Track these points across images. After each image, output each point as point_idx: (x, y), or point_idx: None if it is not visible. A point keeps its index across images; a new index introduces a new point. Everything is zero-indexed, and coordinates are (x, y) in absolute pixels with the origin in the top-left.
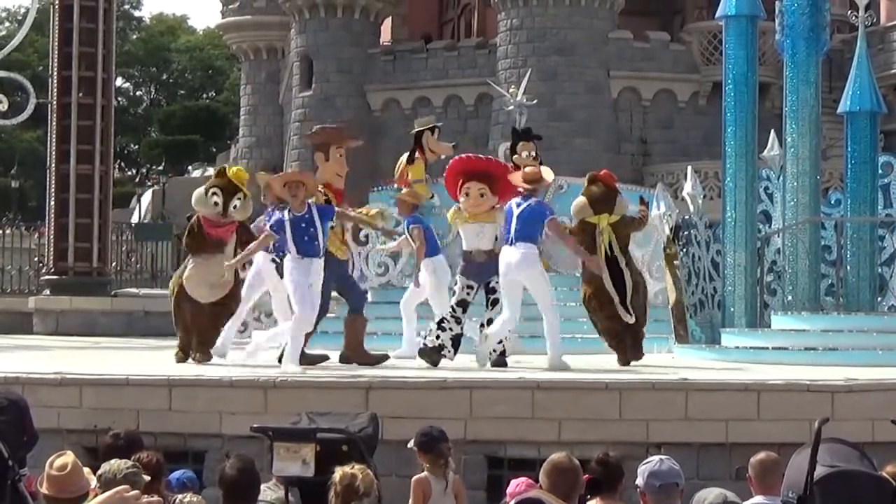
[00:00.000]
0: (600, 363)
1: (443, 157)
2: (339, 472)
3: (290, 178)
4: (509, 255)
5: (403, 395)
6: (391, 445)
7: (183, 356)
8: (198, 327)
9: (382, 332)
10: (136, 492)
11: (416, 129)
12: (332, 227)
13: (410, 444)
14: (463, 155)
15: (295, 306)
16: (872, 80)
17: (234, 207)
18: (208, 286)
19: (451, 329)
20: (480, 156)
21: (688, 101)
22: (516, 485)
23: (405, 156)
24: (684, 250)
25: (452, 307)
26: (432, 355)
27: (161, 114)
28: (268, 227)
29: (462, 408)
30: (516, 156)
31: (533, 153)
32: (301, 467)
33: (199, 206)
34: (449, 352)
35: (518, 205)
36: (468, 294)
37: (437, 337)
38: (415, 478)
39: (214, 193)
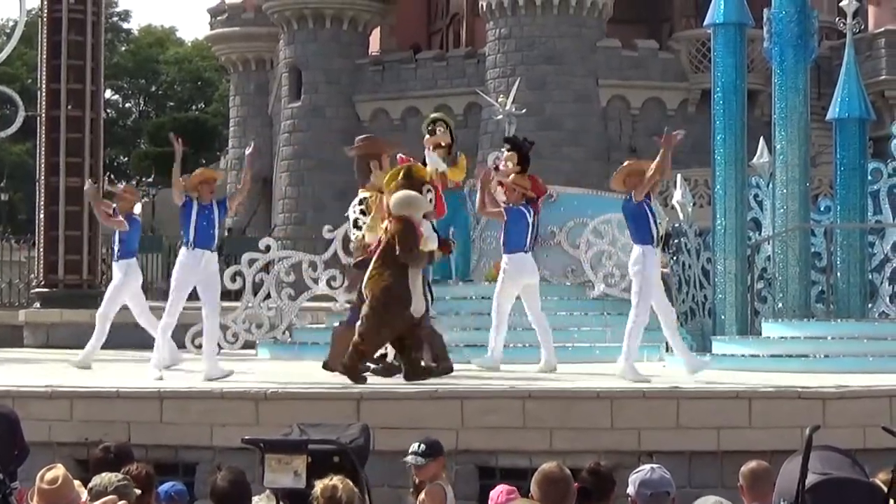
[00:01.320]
0: (591, 372)
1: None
2: (319, 486)
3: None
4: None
5: (394, 405)
6: (383, 456)
7: None
8: None
9: None
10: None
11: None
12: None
13: (413, 459)
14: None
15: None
16: (861, 87)
17: None
18: None
19: None
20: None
21: (677, 109)
22: (497, 494)
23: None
24: (674, 258)
25: None
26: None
27: (150, 126)
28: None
29: (453, 418)
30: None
31: (511, 160)
32: (293, 479)
33: None
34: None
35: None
36: None
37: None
38: (428, 488)
39: None
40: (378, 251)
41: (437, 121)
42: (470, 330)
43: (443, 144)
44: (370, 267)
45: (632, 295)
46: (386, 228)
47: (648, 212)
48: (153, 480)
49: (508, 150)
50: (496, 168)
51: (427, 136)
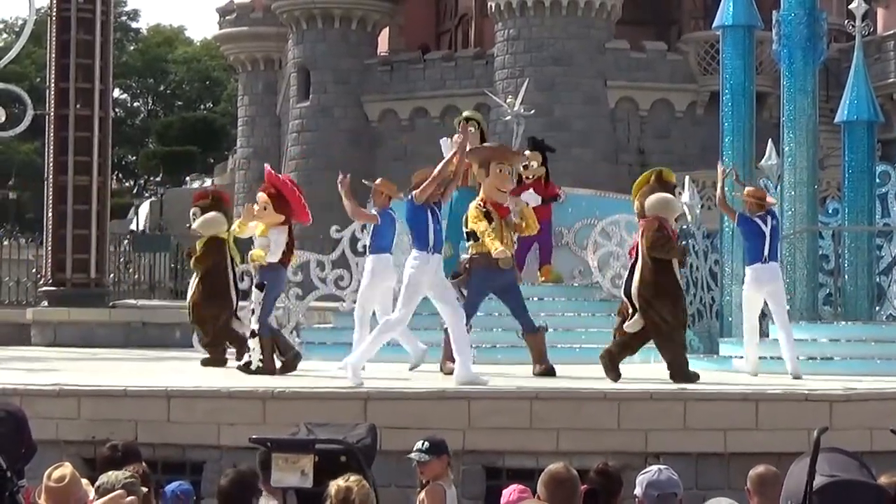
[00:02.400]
0: (598, 373)
1: None
2: (333, 486)
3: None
4: None
5: (402, 405)
6: (390, 456)
7: None
8: None
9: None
10: (132, 498)
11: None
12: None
13: (417, 456)
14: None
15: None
16: (870, 90)
17: None
18: None
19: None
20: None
21: (685, 110)
22: (508, 493)
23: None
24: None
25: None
26: (244, 369)
27: (158, 125)
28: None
29: (460, 418)
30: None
31: (535, 161)
32: (300, 478)
33: None
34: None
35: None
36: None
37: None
38: (428, 488)
39: None
40: (637, 253)
41: (470, 119)
42: (482, 331)
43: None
44: (639, 271)
45: None
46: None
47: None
48: (149, 478)
49: (531, 151)
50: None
51: (459, 121)
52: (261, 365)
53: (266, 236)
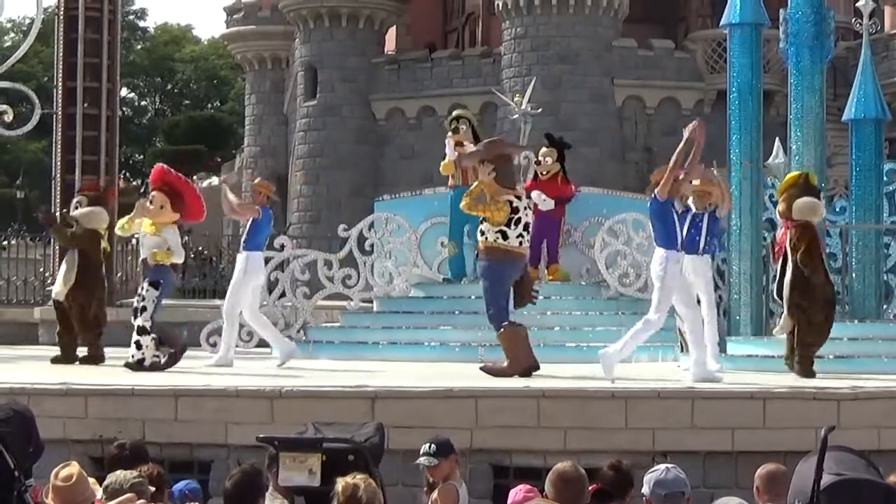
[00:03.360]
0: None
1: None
2: (341, 483)
3: None
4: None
5: (409, 404)
6: (397, 455)
7: None
8: None
9: (389, 340)
10: (142, 501)
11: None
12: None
13: (427, 461)
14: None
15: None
16: (877, 88)
17: None
18: None
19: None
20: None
21: (692, 109)
22: (515, 493)
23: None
24: None
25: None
26: (136, 367)
27: (166, 124)
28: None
29: (467, 417)
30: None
31: (550, 157)
32: (307, 477)
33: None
34: (156, 356)
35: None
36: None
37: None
38: (441, 487)
39: None
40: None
41: (460, 118)
42: (488, 329)
43: (464, 144)
44: (790, 273)
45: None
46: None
47: (674, 213)
48: (164, 480)
49: (548, 147)
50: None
51: (450, 134)
52: (157, 360)
53: (158, 235)
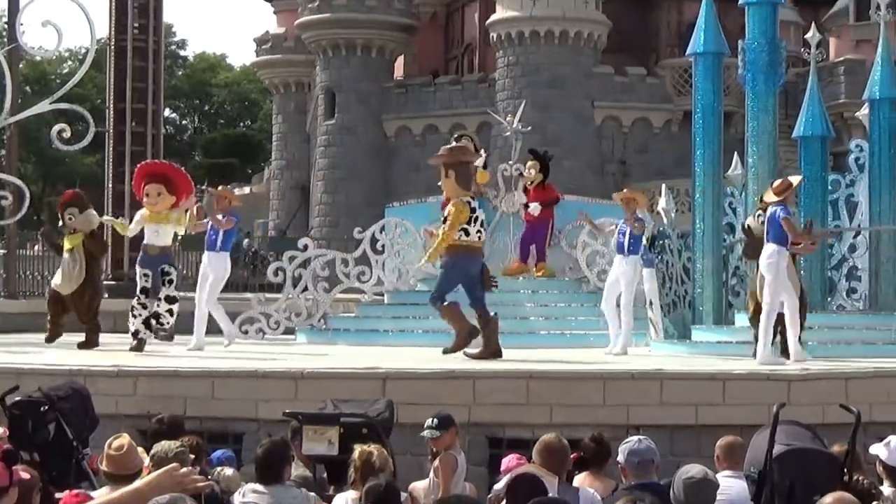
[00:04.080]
0: (586, 356)
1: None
2: (358, 450)
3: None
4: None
5: (415, 384)
6: (405, 428)
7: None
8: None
9: (398, 329)
10: (185, 468)
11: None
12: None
13: (429, 433)
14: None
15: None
16: (823, 109)
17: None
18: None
19: (140, 315)
20: (163, 161)
21: (662, 127)
22: (507, 461)
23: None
24: (660, 257)
25: (137, 295)
26: (133, 341)
27: (203, 140)
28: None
29: (466, 395)
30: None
31: (533, 168)
32: (327, 447)
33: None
34: (145, 333)
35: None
36: (146, 280)
37: (132, 324)
38: (441, 456)
39: None
40: None
41: (463, 136)
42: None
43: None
44: None
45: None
46: None
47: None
48: (202, 449)
49: (532, 160)
50: None
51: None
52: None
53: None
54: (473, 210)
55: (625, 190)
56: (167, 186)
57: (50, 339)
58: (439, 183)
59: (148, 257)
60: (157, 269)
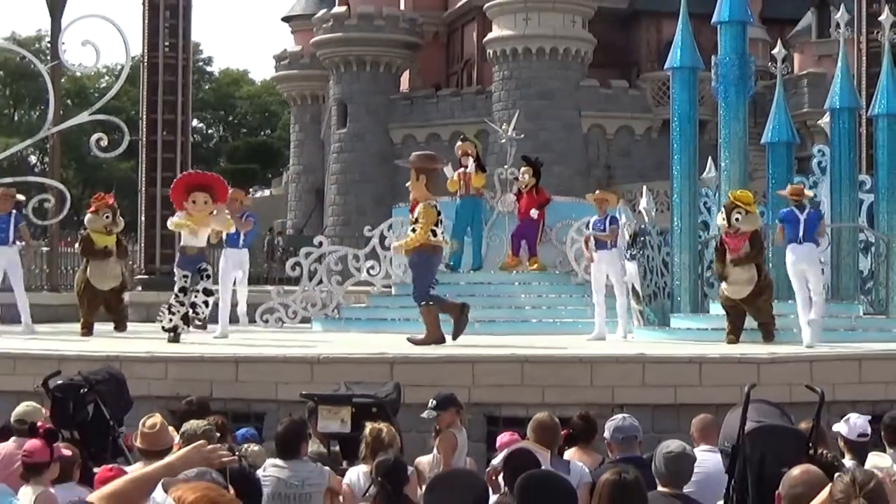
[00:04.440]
0: (575, 342)
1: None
2: (368, 427)
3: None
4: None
5: (421, 367)
6: (411, 408)
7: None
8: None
9: (404, 318)
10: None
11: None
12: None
13: (429, 413)
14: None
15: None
16: (788, 118)
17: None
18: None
19: (178, 312)
20: (205, 172)
21: (643, 134)
22: (504, 437)
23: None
24: (641, 252)
25: (176, 293)
26: (171, 333)
27: (228, 148)
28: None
29: (466, 377)
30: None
31: (527, 174)
32: (340, 425)
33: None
34: (183, 328)
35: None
36: (185, 281)
37: (170, 320)
38: (441, 434)
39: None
40: None
41: (468, 140)
42: (483, 308)
43: (469, 152)
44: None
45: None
46: None
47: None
48: (227, 427)
49: (525, 166)
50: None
51: (458, 143)
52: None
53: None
54: (439, 213)
55: (597, 191)
56: (211, 195)
57: (88, 333)
58: (408, 184)
59: (186, 258)
60: (194, 269)
